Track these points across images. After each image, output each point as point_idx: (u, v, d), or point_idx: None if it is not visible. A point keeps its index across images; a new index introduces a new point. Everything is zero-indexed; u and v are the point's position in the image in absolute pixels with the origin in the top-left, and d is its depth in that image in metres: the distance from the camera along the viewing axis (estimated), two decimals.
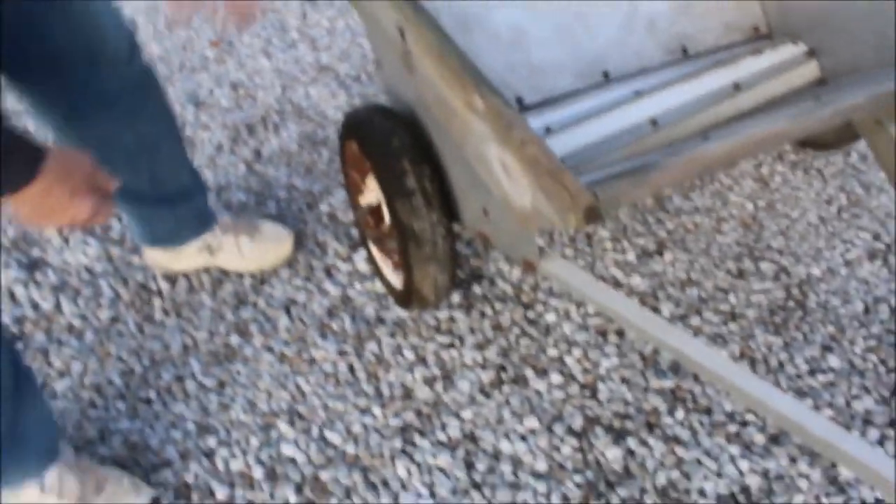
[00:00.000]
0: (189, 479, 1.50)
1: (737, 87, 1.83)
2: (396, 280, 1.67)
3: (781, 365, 1.63)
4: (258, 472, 1.50)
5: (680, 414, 1.55)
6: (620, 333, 1.68)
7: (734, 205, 1.96)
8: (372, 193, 1.68)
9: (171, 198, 1.65)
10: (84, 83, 1.36)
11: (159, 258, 1.79)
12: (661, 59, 1.94)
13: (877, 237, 1.88)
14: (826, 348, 1.66)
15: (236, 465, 1.51)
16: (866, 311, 1.73)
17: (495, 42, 1.79)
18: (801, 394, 1.59)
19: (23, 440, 1.28)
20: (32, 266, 1.87)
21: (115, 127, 1.45)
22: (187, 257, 1.78)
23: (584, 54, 1.87)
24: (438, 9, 1.76)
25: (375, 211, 1.66)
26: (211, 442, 1.55)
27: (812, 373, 1.62)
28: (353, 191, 1.75)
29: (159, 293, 1.81)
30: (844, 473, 1.46)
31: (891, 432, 1.53)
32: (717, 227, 1.90)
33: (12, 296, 1.81)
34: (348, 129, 1.64)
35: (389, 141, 1.50)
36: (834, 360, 1.64)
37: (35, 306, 1.79)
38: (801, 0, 1.92)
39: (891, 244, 1.87)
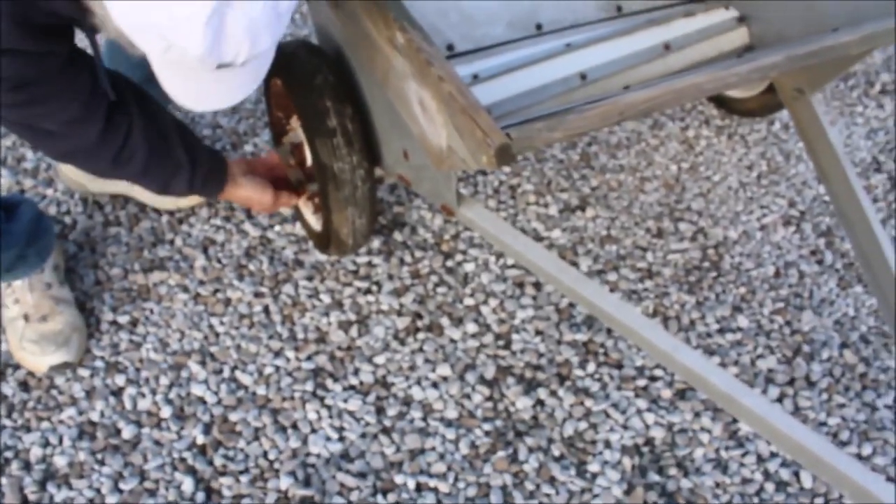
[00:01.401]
0: (94, 416, 1.47)
1: (667, 48, 1.84)
2: (316, 223, 1.65)
3: (693, 323, 1.67)
4: (166, 411, 1.48)
5: (591, 367, 1.58)
6: (537, 286, 1.69)
7: (658, 165, 1.98)
8: (295, 133, 1.65)
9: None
10: None
11: (80, 176, 1.75)
12: (595, 15, 1.93)
13: (792, 204, 1.93)
14: (736, 308, 1.71)
15: (144, 404, 1.49)
16: (777, 274, 1.78)
17: None
18: (709, 351, 1.63)
19: None
20: None
21: None
22: (106, 181, 1.74)
23: (517, 5, 1.85)
24: None
25: (298, 151, 1.63)
26: (119, 380, 1.52)
27: (721, 332, 1.66)
28: (277, 131, 1.71)
29: (74, 226, 1.75)
30: (744, 428, 1.51)
31: (790, 391, 1.59)
32: (641, 186, 1.93)
33: None
34: (273, 66, 1.60)
35: (313, 78, 1.47)
36: (742, 321, 1.68)
37: None
38: None
39: (805, 211, 1.91)
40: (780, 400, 1.57)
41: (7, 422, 1.46)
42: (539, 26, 1.86)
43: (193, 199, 1.76)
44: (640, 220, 1.85)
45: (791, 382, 1.61)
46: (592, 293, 1.36)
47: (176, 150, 1.32)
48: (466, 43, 1.78)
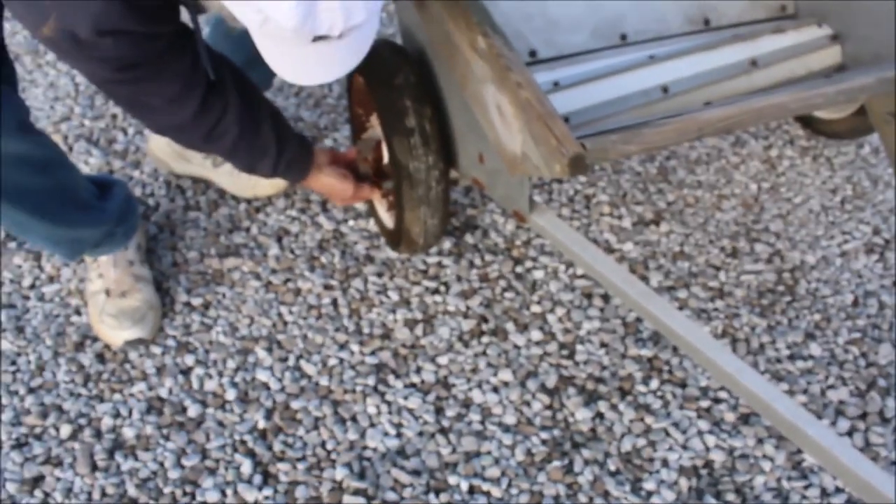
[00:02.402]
0: (163, 393, 1.52)
1: (753, 64, 1.81)
2: (389, 221, 1.67)
3: (762, 347, 1.63)
4: (231, 394, 1.52)
5: (654, 383, 1.56)
6: (605, 297, 1.68)
7: (738, 184, 1.94)
8: (372, 130, 1.67)
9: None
10: None
11: (166, 155, 1.82)
12: (682, 27, 1.90)
13: (877, 232, 1.87)
14: (809, 336, 1.66)
15: (210, 385, 1.53)
16: (855, 303, 1.73)
17: None
18: (777, 377, 1.59)
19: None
20: None
21: None
22: (190, 162, 1.81)
23: (603, 13, 1.84)
24: None
25: (375, 148, 1.65)
26: (189, 360, 1.57)
27: (792, 358, 1.62)
28: (357, 127, 1.74)
29: (156, 208, 1.82)
30: (808, 459, 1.47)
31: (861, 425, 1.54)
32: (718, 203, 1.89)
33: None
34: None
35: (394, 77, 1.49)
36: (815, 349, 1.64)
37: None
38: None
39: (890, 240, 1.85)
40: (849, 434, 1.53)
41: (83, 390, 1.52)
42: (623, 36, 1.85)
43: (272, 188, 1.81)
44: (715, 238, 1.82)
45: (863, 416, 1.55)
46: (659, 309, 1.35)
47: (265, 135, 1.36)
48: (549, 49, 1.78)
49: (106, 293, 1.58)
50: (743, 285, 1.74)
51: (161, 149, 1.82)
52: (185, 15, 1.20)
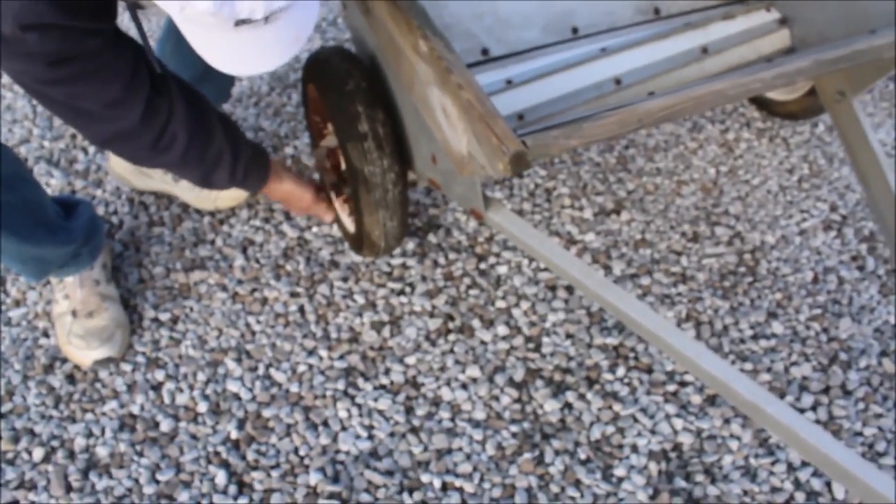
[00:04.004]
0: (134, 410, 1.53)
1: (704, 51, 1.83)
2: (351, 225, 1.69)
3: (726, 328, 1.66)
4: (202, 406, 1.53)
5: (621, 371, 1.58)
6: (569, 289, 1.70)
7: (696, 168, 1.97)
8: (330, 137, 1.68)
9: (207, 90, 1.64)
10: None
11: (126, 171, 1.83)
12: (633, 18, 1.92)
13: (834, 208, 1.90)
14: (771, 314, 1.69)
15: (182, 399, 1.54)
16: (815, 280, 1.76)
17: None
18: (742, 358, 1.62)
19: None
20: None
21: None
22: (151, 177, 1.82)
23: (553, 9, 1.85)
24: None
25: (333, 155, 1.66)
26: (159, 375, 1.58)
27: (755, 338, 1.65)
28: (315, 134, 1.75)
29: (120, 225, 1.82)
30: (775, 436, 1.50)
31: (824, 399, 1.57)
32: (678, 189, 1.92)
33: None
34: (308, 71, 1.64)
35: (345, 83, 1.50)
36: (777, 327, 1.66)
37: None
38: None
39: (847, 216, 1.88)
40: (814, 408, 1.55)
41: (54, 412, 1.53)
42: (575, 30, 1.86)
43: (232, 200, 1.81)
44: (676, 223, 1.84)
45: (826, 391, 1.58)
46: (617, 298, 1.36)
47: (217, 139, 1.32)
48: (501, 47, 1.80)
49: (72, 314, 1.59)
50: (705, 269, 1.76)
51: (122, 165, 1.82)
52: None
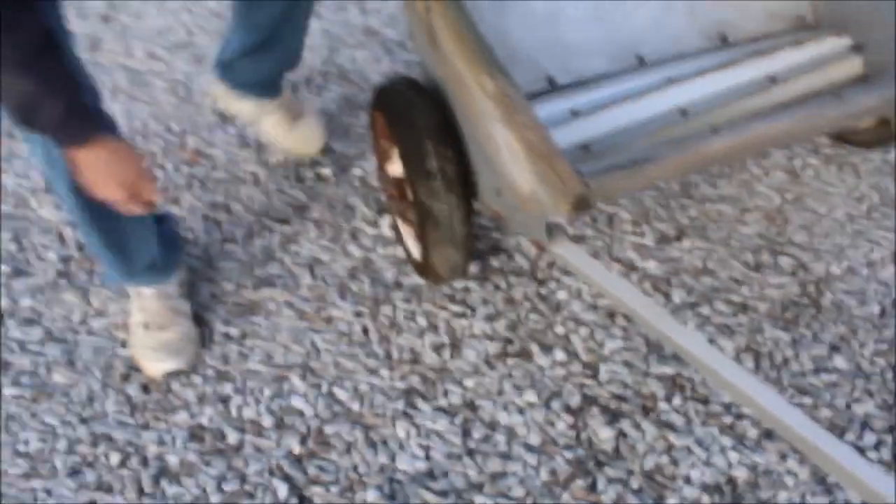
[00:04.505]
0: (204, 421, 1.60)
1: (772, 80, 1.82)
2: (416, 250, 1.73)
3: (786, 361, 1.65)
4: (267, 421, 1.59)
5: (677, 401, 1.59)
6: (628, 317, 1.71)
7: (761, 196, 1.96)
8: (397, 165, 1.73)
9: (274, 57, 1.88)
10: None
11: (221, 92, 2.01)
12: (699, 45, 1.93)
13: None
14: (834, 348, 1.67)
15: (248, 413, 1.61)
16: (882, 313, 1.73)
17: (530, 19, 1.81)
18: (802, 392, 1.61)
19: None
20: None
21: None
22: (242, 106, 2.01)
23: (619, 37, 1.87)
24: None
25: (399, 182, 1.71)
26: (227, 389, 1.65)
27: (816, 372, 1.64)
28: (381, 159, 1.80)
29: (195, 242, 1.90)
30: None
31: (888, 438, 1.55)
32: (741, 217, 1.91)
33: (61, 236, 1.93)
34: (377, 101, 1.69)
35: (414, 119, 1.54)
36: (840, 361, 1.65)
37: (80, 247, 1.90)
38: None
39: None
40: (876, 447, 1.54)
41: (130, 420, 1.61)
42: (641, 58, 1.88)
43: (303, 151, 2.04)
44: (738, 252, 1.84)
45: (890, 430, 1.56)
46: (673, 330, 1.38)
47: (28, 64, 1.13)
48: (567, 76, 1.82)
49: (145, 326, 1.67)
50: (766, 299, 1.75)
51: (217, 88, 2.02)
52: None
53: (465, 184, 1.55)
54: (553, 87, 1.81)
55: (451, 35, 1.37)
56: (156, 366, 1.64)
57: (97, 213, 1.46)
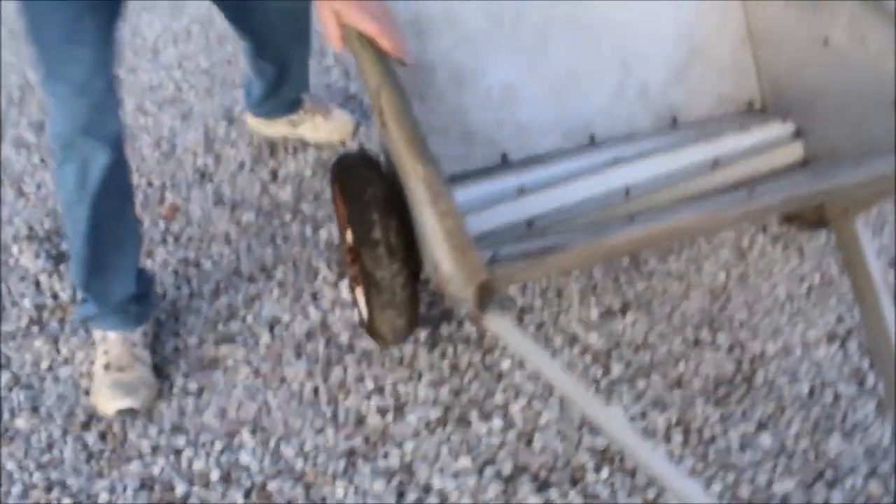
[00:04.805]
0: (155, 471, 1.69)
1: (716, 163, 1.91)
2: (365, 312, 1.82)
3: (714, 438, 1.72)
4: (215, 474, 1.68)
5: (605, 473, 1.66)
6: None
7: (707, 273, 2.04)
8: (350, 232, 1.83)
9: (290, 87, 2.23)
10: None
11: (259, 123, 2.37)
12: (650, 126, 2.03)
13: (840, 320, 1.94)
14: (762, 426, 1.74)
15: (198, 465, 1.69)
16: (811, 393, 1.80)
17: (486, 99, 1.91)
18: (726, 468, 1.67)
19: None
20: (59, 258, 2.09)
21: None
22: (279, 126, 2.35)
23: (572, 116, 1.97)
24: (436, 63, 1.89)
25: (352, 248, 1.80)
26: (181, 441, 1.73)
27: (742, 448, 1.71)
28: (340, 225, 1.90)
29: (164, 296, 2.00)
30: None
31: None
32: (686, 293, 1.99)
33: (37, 284, 2.04)
34: (334, 172, 1.80)
35: (364, 191, 1.64)
36: (766, 439, 1.72)
37: (55, 296, 2.01)
38: (793, 78, 1.98)
39: (853, 329, 1.92)
40: None
41: (85, 467, 1.70)
42: (592, 137, 1.98)
43: (341, 136, 2.37)
44: (680, 327, 1.92)
45: None
46: (600, 415, 1.45)
47: None
48: (520, 152, 1.92)
49: (105, 367, 1.77)
50: (701, 375, 1.83)
51: (252, 120, 2.38)
52: None
53: (409, 253, 1.64)
54: (506, 164, 1.91)
55: (395, 118, 1.46)
56: (110, 403, 1.74)
57: (97, 237, 1.64)
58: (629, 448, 1.41)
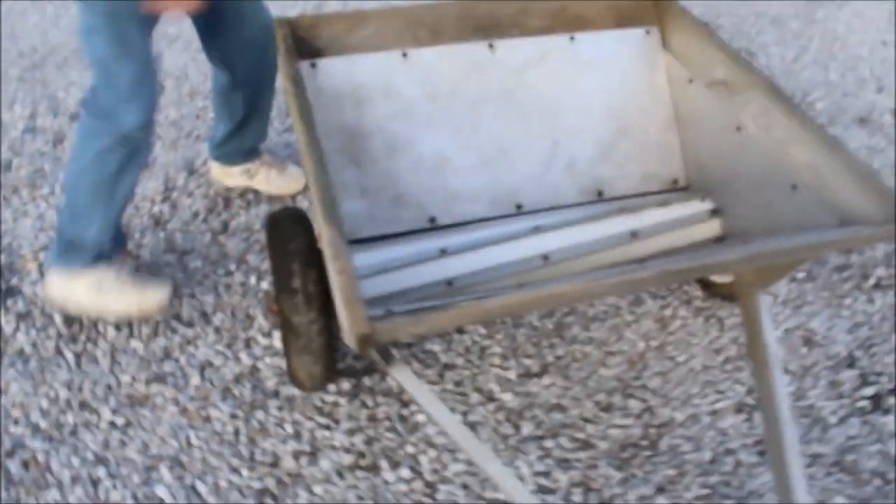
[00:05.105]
0: (72, 500, 1.75)
1: (634, 235, 2.02)
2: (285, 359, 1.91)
3: (612, 497, 1.79)
4: None
5: None
6: None
7: (627, 341, 2.13)
8: None
9: (250, 132, 2.40)
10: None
11: (218, 168, 2.51)
12: (576, 198, 2.14)
13: (750, 391, 2.02)
14: (660, 489, 1.81)
15: (114, 497, 1.76)
16: (713, 460, 1.87)
17: (418, 166, 2.03)
18: None
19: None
20: (7, 292, 2.18)
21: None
22: (235, 171, 2.49)
23: (501, 186, 2.09)
24: (373, 130, 2.02)
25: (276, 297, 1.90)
26: (101, 472, 1.80)
27: None
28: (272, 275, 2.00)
29: (104, 336, 2.09)
30: None
31: None
32: (604, 359, 2.08)
33: None
34: (267, 224, 1.90)
35: (287, 243, 1.75)
36: (663, 501, 1.78)
37: None
38: (712, 160, 2.10)
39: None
40: None
41: (4, 494, 1.76)
42: (519, 206, 2.09)
43: (293, 190, 2.53)
44: (593, 392, 2.00)
45: None
46: (491, 468, 1.53)
47: None
48: (448, 217, 2.04)
49: (114, 281, 2.07)
50: (609, 438, 1.90)
51: (215, 171, 2.53)
52: None
53: (327, 302, 1.74)
54: (433, 226, 2.02)
55: (311, 180, 1.58)
56: (150, 297, 2.08)
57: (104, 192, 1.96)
58: (509, 493, 1.49)
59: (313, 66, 2.00)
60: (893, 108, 3.10)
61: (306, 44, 2.01)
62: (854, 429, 1.95)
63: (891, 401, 2.01)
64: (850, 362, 2.11)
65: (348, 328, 1.30)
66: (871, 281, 2.33)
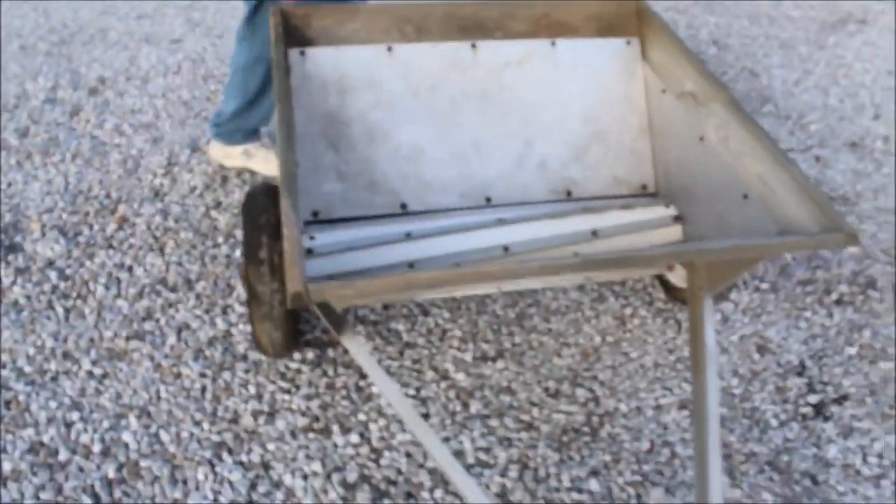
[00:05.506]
0: (45, 439, 1.90)
1: (594, 234, 2.12)
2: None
3: (548, 476, 1.89)
4: (97, 448, 1.88)
5: (438, 493, 1.83)
6: (426, 415, 1.98)
7: (585, 335, 2.22)
8: None
9: (258, 114, 2.61)
10: None
11: (218, 148, 2.69)
12: (545, 196, 2.25)
13: None
14: (594, 472, 1.91)
15: (84, 438, 1.90)
16: (650, 450, 1.96)
17: (394, 155, 2.15)
18: None
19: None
20: (10, 248, 2.35)
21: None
22: (234, 152, 2.66)
23: (472, 179, 2.20)
24: (354, 118, 2.15)
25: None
26: (75, 416, 1.95)
27: (570, 490, 1.87)
28: None
29: (93, 294, 2.24)
30: None
31: None
32: (559, 350, 2.18)
33: None
34: (244, 199, 2.03)
35: (257, 217, 1.88)
36: (594, 484, 1.88)
37: None
38: (678, 168, 2.20)
39: None
40: None
41: None
42: (489, 199, 2.20)
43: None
44: (544, 379, 2.10)
45: None
46: (419, 429, 1.64)
47: None
48: (419, 204, 2.16)
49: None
50: (552, 422, 2.00)
51: (213, 152, 2.70)
52: None
53: None
54: (404, 212, 2.14)
55: (280, 156, 1.71)
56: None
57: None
58: (440, 463, 1.60)
59: (302, 53, 2.13)
60: (886, 134, 3.16)
61: (299, 32, 2.14)
62: (793, 432, 2.03)
63: (833, 409, 2.09)
64: (800, 371, 2.19)
65: (287, 286, 1.43)
66: (834, 296, 2.40)
